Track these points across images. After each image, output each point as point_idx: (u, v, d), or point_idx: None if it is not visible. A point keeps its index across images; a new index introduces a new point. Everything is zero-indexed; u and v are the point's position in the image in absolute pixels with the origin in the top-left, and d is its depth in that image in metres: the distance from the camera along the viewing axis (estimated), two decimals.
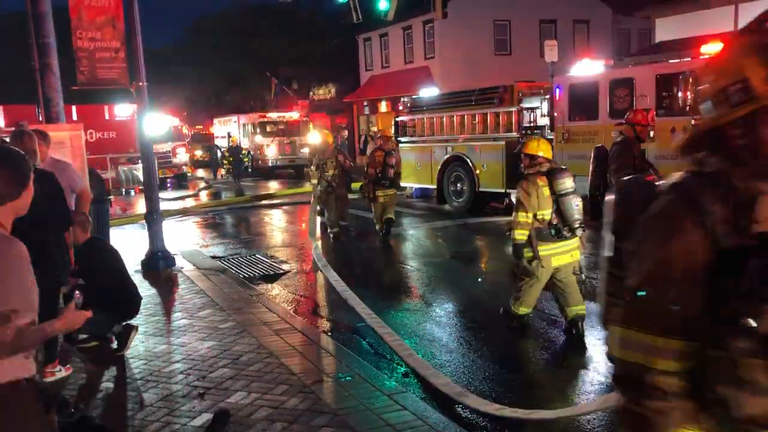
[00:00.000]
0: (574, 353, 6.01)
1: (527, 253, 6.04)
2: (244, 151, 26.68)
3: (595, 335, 6.36)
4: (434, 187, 15.91)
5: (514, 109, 14.51)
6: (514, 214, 6.09)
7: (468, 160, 15.05)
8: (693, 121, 10.79)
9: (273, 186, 25.72)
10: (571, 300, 6.11)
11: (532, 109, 14.37)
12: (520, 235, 5.99)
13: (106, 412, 4.90)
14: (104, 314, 5.31)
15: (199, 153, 38.13)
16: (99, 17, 9.00)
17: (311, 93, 42.75)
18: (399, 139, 16.67)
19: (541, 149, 6.09)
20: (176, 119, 31.04)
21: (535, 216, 5.96)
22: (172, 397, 4.94)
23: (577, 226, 5.92)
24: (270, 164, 30.10)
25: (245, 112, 34.99)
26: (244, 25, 41.94)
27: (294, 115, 32.53)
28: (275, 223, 15.35)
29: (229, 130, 33.76)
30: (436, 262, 10.04)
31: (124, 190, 21.51)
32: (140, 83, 9.47)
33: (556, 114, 13.50)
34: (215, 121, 37.21)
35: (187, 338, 6.37)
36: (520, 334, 6.49)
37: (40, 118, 11.36)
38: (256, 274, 9.49)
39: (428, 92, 17.54)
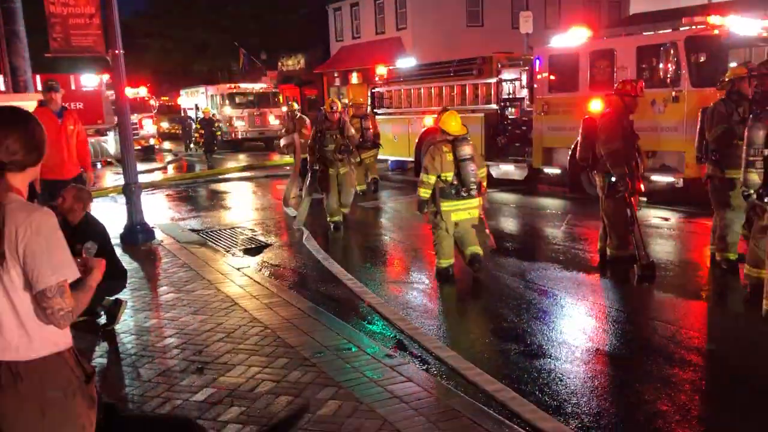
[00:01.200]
0: (563, 322, 6.05)
1: (431, 208, 7.12)
2: (217, 124, 26.21)
3: (575, 302, 6.42)
4: (411, 159, 15.77)
5: (493, 80, 14.48)
6: (421, 174, 7.15)
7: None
8: (674, 93, 10.86)
9: (243, 159, 25.33)
10: (467, 243, 7.22)
11: (512, 81, 14.28)
12: (424, 192, 7.09)
13: (103, 387, 4.77)
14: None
15: (165, 125, 37.31)
16: None
17: (280, 64, 41.87)
18: (375, 110, 16.47)
19: (452, 124, 6.99)
20: (144, 89, 30.30)
21: (439, 177, 7.00)
22: (170, 372, 4.85)
23: (473, 188, 6.95)
24: (240, 136, 29.63)
25: (213, 83, 34.23)
26: None
27: (263, 86, 31.92)
28: (250, 196, 15.17)
29: (197, 101, 33.10)
30: (415, 233, 10.01)
31: (93, 162, 20.97)
32: (116, 51, 9.16)
33: (535, 86, 13.39)
34: (182, 92, 36.29)
35: (177, 312, 6.26)
36: (480, 293, 6.51)
37: (2, 88, 10.91)
38: (239, 248, 9.32)
39: (405, 63, 17.39)
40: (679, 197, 11.24)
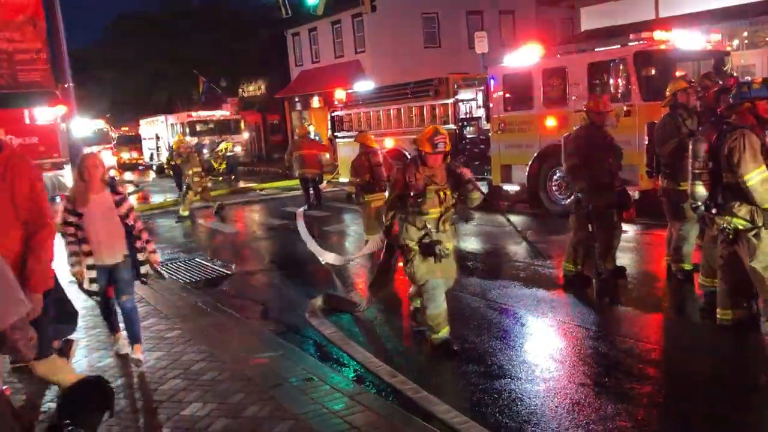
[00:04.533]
0: (523, 340, 6.05)
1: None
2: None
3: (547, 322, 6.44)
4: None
5: (450, 101, 14.62)
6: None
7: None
8: (625, 108, 11.07)
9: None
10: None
11: (469, 101, 14.46)
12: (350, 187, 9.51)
13: None
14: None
15: (126, 156, 37.18)
16: (17, 16, 8.54)
17: (241, 90, 41.85)
18: (335, 134, 16.53)
19: (370, 140, 9.57)
20: (101, 121, 29.95)
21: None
22: (123, 414, 4.71)
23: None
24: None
25: (172, 112, 34.00)
26: (166, 25, 40.66)
27: (224, 113, 31.88)
28: (210, 225, 14.95)
29: (157, 130, 32.87)
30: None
31: (50, 197, 20.59)
32: (66, 85, 9.03)
33: (491, 105, 13.54)
34: (141, 122, 36.04)
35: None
36: (468, 323, 6.48)
37: None
38: (198, 278, 9.21)
39: (363, 86, 17.48)
40: (635, 210, 11.36)
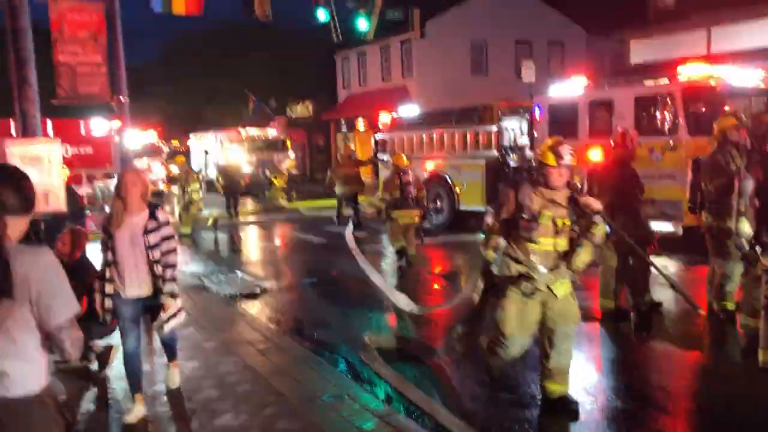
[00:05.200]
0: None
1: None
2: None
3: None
4: None
5: (494, 128, 14.45)
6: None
7: (448, 179, 14.96)
8: (671, 142, 10.90)
9: (251, 204, 25.20)
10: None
11: (513, 129, 14.28)
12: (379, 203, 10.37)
13: None
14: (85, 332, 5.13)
15: (175, 169, 37.41)
16: (81, 32, 8.87)
17: (289, 110, 41.91)
18: (379, 156, 16.57)
19: (402, 160, 10.25)
20: (153, 133, 30.58)
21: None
22: (157, 420, 4.81)
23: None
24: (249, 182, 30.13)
25: (223, 129, 34.27)
26: (224, 44, 41.44)
27: (273, 132, 32.02)
28: (253, 241, 15.23)
29: (206, 145, 33.34)
30: (413, 280, 9.81)
31: (100, 206, 21.11)
32: (121, 97, 9.33)
33: (536, 133, 13.42)
34: (191, 136, 36.22)
35: None
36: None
37: (14, 132, 11.05)
38: (238, 292, 9.32)
39: (408, 110, 17.42)
40: (678, 245, 11.10)
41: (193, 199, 14.98)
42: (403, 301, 7.71)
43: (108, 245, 4.84)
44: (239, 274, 10.70)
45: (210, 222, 16.41)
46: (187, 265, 11.89)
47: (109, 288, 4.81)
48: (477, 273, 5.15)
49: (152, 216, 4.83)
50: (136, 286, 4.83)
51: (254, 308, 8.45)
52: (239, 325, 7.26)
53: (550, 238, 4.60)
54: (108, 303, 4.84)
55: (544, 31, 32.17)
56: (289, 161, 28.37)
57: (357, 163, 16.75)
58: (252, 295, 9.12)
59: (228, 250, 13.82)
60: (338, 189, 15.73)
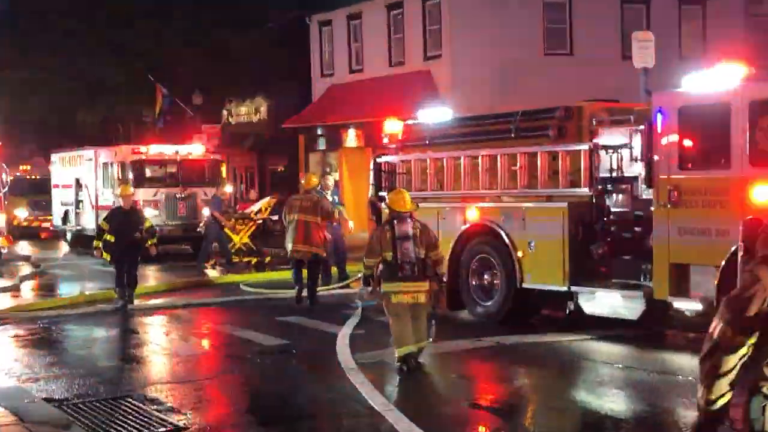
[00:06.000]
0: None
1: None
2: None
3: None
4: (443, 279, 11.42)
5: (584, 147, 10.32)
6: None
7: (503, 234, 10.86)
8: None
9: (156, 273, 17.65)
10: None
11: (616, 149, 10.31)
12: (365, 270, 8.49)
13: None
14: None
15: (22, 213, 25.48)
16: None
17: (225, 113, 29.42)
18: (382, 194, 12.39)
19: (402, 201, 8.33)
20: None
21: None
22: None
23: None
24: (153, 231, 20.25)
25: (108, 144, 23.54)
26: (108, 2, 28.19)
27: (195, 149, 21.93)
28: (158, 341, 11.10)
29: (79, 173, 22.33)
30: (445, 416, 7.46)
31: None
32: None
33: (656, 158, 9.72)
34: (54, 157, 24.48)
35: None
36: None
37: None
38: None
39: (434, 115, 13.03)
40: None
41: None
42: None
43: None
44: (130, 400, 7.99)
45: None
46: (35, 381, 8.62)
47: None
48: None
49: None
50: None
51: None
52: None
53: None
54: None
55: None
56: (264, 201, 19.70)
57: (319, 207, 12.41)
58: None
59: (116, 360, 9.98)
60: (288, 245, 12.21)
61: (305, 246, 11.96)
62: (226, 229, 17.29)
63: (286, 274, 14.35)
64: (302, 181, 13.32)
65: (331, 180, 15.13)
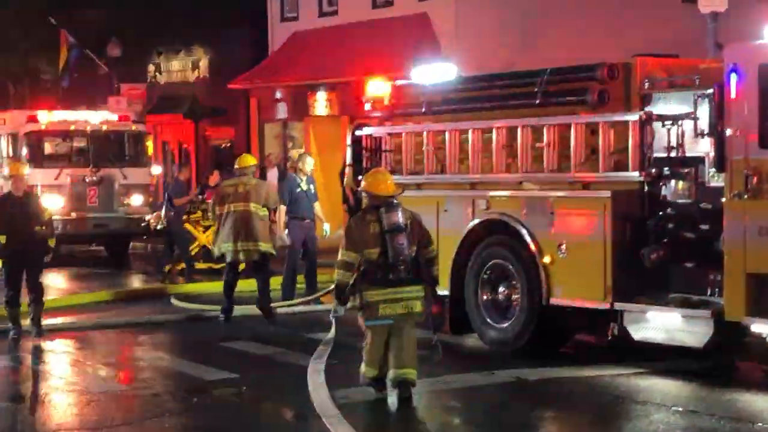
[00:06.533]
0: None
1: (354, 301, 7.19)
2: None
3: None
4: (444, 292, 9.90)
5: (633, 117, 8.65)
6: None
7: (524, 233, 9.18)
8: None
9: (55, 283, 14.85)
10: (398, 358, 7.05)
11: (675, 119, 8.57)
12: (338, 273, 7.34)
13: None
14: None
15: None
16: None
17: (152, 69, 25.09)
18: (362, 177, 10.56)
19: (385, 185, 7.34)
20: None
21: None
22: None
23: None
24: (54, 228, 17.03)
25: None
26: None
27: (111, 116, 18.68)
28: (62, 373, 9.37)
29: None
30: None
31: None
32: None
33: (729, 132, 8.16)
34: None
35: None
36: None
37: None
38: None
39: (433, 73, 11.19)
40: None
41: None
42: None
43: None
44: None
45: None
46: None
47: None
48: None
49: None
50: None
51: None
52: None
53: None
54: None
55: None
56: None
57: (262, 192, 10.88)
58: None
59: (5, 401, 8.23)
60: (222, 245, 10.66)
61: (247, 243, 10.35)
62: (187, 225, 15.03)
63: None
64: (237, 163, 11.45)
65: (308, 163, 12.61)
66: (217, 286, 12.35)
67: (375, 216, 6.95)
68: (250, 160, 10.81)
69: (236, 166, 11.16)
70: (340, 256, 6.93)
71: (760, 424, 6.63)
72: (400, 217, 6.89)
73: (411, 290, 6.87)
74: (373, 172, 7.95)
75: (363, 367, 6.96)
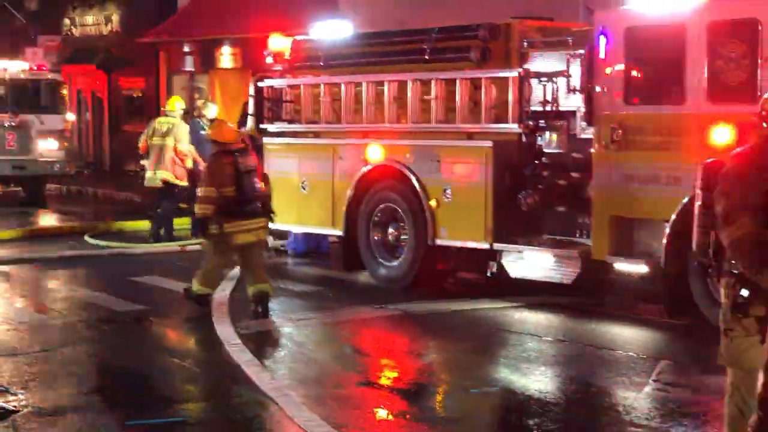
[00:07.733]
0: None
1: (213, 229, 7.76)
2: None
3: None
4: (338, 233, 10.47)
5: (512, 74, 9.23)
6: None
7: (412, 179, 9.60)
8: None
9: None
10: (254, 276, 7.88)
11: (550, 77, 9.20)
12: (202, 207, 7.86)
13: None
14: None
15: None
16: None
17: (68, 22, 26.45)
18: (264, 126, 11.10)
19: (228, 131, 8.16)
20: None
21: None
22: None
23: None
24: None
25: None
26: None
27: (24, 65, 19.22)
28: None
29: None
30: (342, 399, 6.58)
31: None
32: None
33: (598, 89, 8.85)
34: None
35: None
36: None
37: None
38: None
39: (332, 30, 11.55)
40: None
41: None
42: None
43: None
44: None
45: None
46: None
47: None
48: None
49: None
50: None
51: None
52: None
53: None
54: None
55: None
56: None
57: (175, 130, 12.07)
58: None
59: None
60: (147, 175, 12.12)
61: (155, 172, 11.80)
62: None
63: (141, 225, 13.40)
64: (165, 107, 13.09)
65: (211, 109, 13.14)
66: (130, 225, 13.45)
67: (230, 159, 7.63)
68: (174, 104, 12.28)
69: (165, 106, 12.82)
70: (200, 193, 7.63)
71: (620, 351, 7.29)
72: (251, 160, 7.85)
73: (260, 222, 7.76)
74: (217, 122, 8.94)
75: (196, 285, 7.73)
